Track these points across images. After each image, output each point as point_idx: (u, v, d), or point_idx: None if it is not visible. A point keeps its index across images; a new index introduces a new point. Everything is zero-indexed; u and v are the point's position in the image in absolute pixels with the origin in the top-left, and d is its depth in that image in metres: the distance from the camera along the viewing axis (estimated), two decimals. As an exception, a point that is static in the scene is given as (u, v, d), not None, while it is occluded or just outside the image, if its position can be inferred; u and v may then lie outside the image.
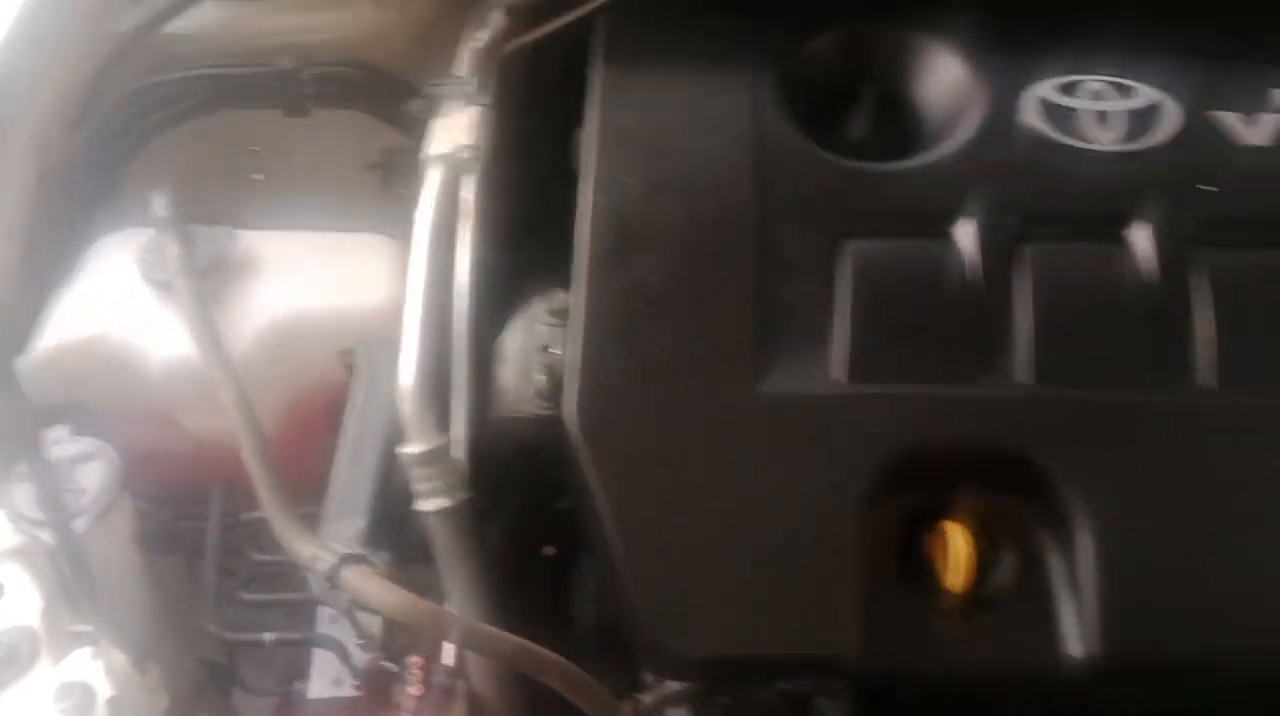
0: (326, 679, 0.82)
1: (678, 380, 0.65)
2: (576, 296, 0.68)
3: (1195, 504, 0.62)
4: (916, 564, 0.63)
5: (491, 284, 0.74)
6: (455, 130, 0.78)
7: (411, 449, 0.66)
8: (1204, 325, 0.65)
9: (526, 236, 0.79)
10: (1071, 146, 0.71)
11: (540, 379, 0.69)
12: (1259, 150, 0.71)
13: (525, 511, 0.74)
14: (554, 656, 0.62)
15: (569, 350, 0.67)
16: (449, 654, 0.68)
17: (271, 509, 0.69)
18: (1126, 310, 0.66)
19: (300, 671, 0.82)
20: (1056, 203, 0.70)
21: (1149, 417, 0.64)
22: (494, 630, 0.63)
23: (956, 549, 0.62)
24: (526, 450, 0.69)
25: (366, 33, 0.95)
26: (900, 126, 0.77)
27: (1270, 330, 0.66)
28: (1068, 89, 0.74)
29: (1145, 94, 0.73)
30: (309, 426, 0.82)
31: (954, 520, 0.62)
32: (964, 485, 0.63)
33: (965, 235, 0.68)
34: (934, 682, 0.63)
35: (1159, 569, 0.61)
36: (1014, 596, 0.62)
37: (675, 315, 0.67)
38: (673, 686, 0.65)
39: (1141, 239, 0.68)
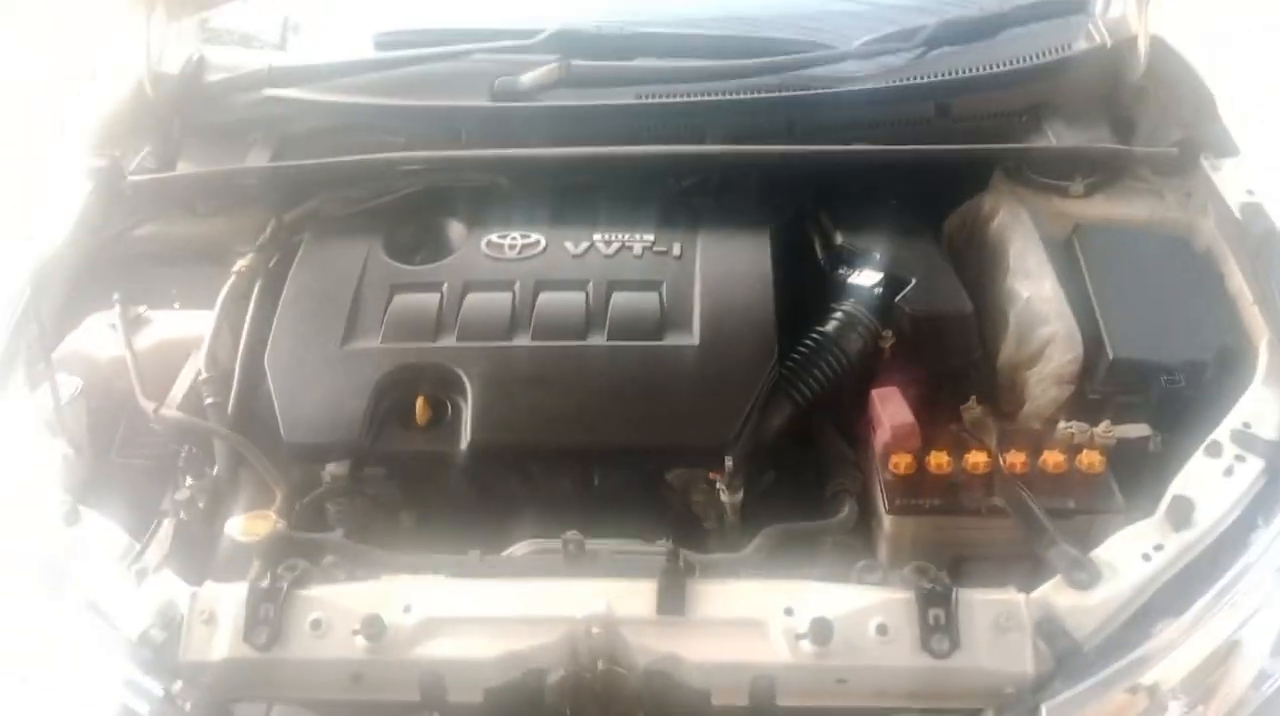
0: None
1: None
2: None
3: (514, 377, 1.47)
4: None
5: None
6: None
7: None
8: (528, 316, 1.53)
9: None
10: (495, 258, 1.61)
11: None
12: (581, 255, 1.61)
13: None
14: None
15: None
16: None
17: None
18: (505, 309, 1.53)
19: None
20: (482, 276, 1.58)
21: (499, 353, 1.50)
22: None
23: (419, 408, 1.46)
24: None
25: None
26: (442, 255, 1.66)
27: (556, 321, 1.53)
28: (501, 236, 1.64)
29: (533, 236, 1.64)
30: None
31: (421, 396, 1.47)
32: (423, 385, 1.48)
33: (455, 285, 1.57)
34: (412, 461, 1.45)
35: (501, 404, 1.44)
36: (450, 424, 1.45)
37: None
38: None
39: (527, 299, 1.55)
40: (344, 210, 1.77)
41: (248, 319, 1.63)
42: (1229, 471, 1.29)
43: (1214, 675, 1.16)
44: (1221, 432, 1.34)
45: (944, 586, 1.18)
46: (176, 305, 1.75)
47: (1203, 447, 1.32)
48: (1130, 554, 1.22)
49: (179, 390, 1.58)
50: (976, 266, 1.70)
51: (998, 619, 1.17)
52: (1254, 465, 1.30)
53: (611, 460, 1.47)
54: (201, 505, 1.44)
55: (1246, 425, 1.35)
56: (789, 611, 1.18)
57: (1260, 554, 1.21)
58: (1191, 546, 1.22)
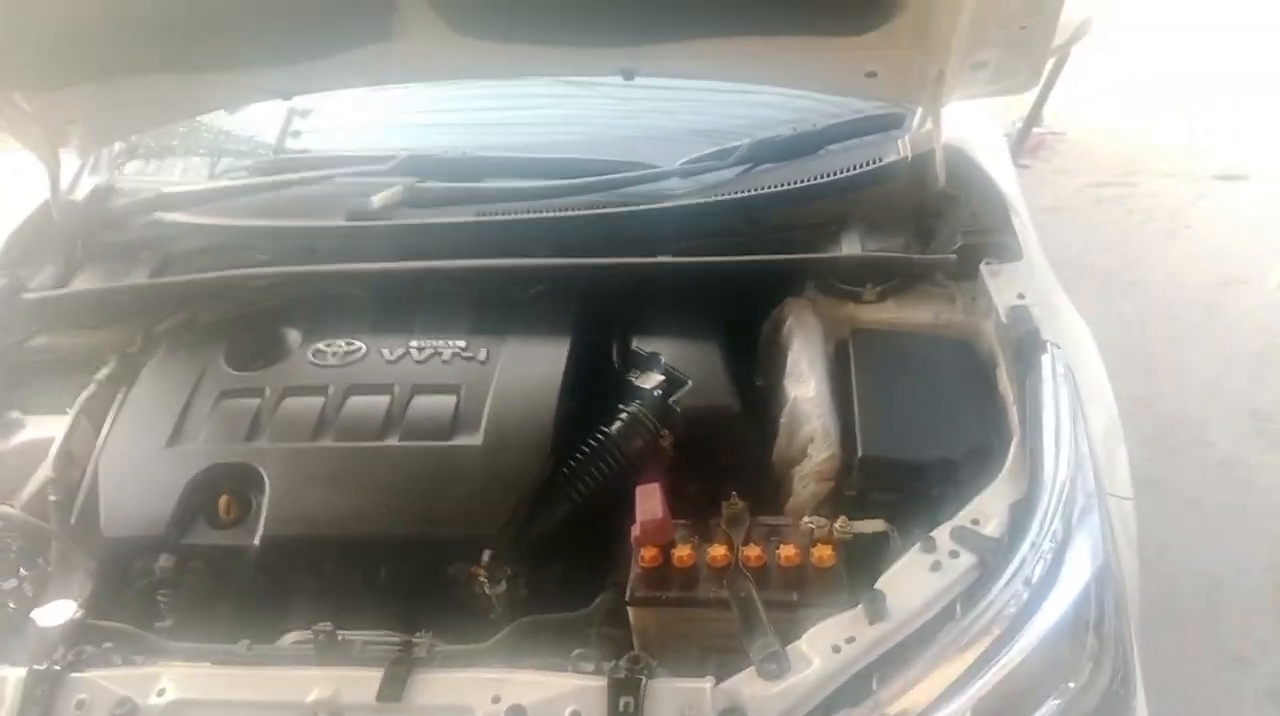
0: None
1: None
2: None
3: (309, 475, 1.56)
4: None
5: None
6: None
7: None
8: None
9: None
10: (318, 365, 1.72)
11: None
12: (395, 361, 1.71)
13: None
14: None
15: None
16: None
17: None
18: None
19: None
20: (302, 381, 1.69)
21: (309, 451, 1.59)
22: None
23: (222, 505, 1.55)
24: None
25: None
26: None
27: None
28: (327, 344, 1.76)
29: (356, 343, 1.75)
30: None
31: (225, 494, 1.56)
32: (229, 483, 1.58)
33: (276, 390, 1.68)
34: (216, 555, 1.53)
35: (293, 501, 1.53)
36: (252, 520, 1.54)
37: None
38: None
39: (336, 403, 1.66)
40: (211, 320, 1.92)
41: (106, 423, 1.75)
42: (936, 566, 1.32)
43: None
44: (942, 529, 1.37)
45: (634, 675, 1.23)
46: (69, 411, 1.89)
47: (918, 544, 1.35)
48: (823, 645, 1.25)
49: (30, 487, 1.70)
50: (774, 370, 1.76)
51: (683, 708, 1.21)
52: (965, 560, 1.33)
53: (394, 553, 1.54)
54: (30, 593, 1.54)
55: (975, 522, 1.38)
56: (495, 699, 1.24)
57: (945, 646, 1.24)
58: (884, 639, 1.25)
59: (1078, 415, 1.50)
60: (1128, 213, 4.38)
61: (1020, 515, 1.37)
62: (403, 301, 1.87)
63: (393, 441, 1.60)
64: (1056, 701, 1.28)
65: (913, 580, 1.31)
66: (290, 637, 1.43)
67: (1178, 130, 4.92)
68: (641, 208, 1.92)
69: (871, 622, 1.27)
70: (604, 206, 1.94)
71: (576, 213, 1.92)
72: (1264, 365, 3.40)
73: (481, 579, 1.48)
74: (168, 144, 2.47)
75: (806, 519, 1.46)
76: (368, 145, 2.17)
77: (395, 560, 1.54)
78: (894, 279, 1.82)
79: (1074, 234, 4.10)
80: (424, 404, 1.64)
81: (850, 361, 1.68)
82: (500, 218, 1.93)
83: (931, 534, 1.36)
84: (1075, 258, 3.83)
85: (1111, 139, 4.87)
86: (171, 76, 1.86)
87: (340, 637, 1.36)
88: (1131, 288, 3.85)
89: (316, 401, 1.66)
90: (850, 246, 1.84)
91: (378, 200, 1.96)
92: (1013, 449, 1.49)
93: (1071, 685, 1.29)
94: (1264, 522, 2.79)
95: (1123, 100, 5.08)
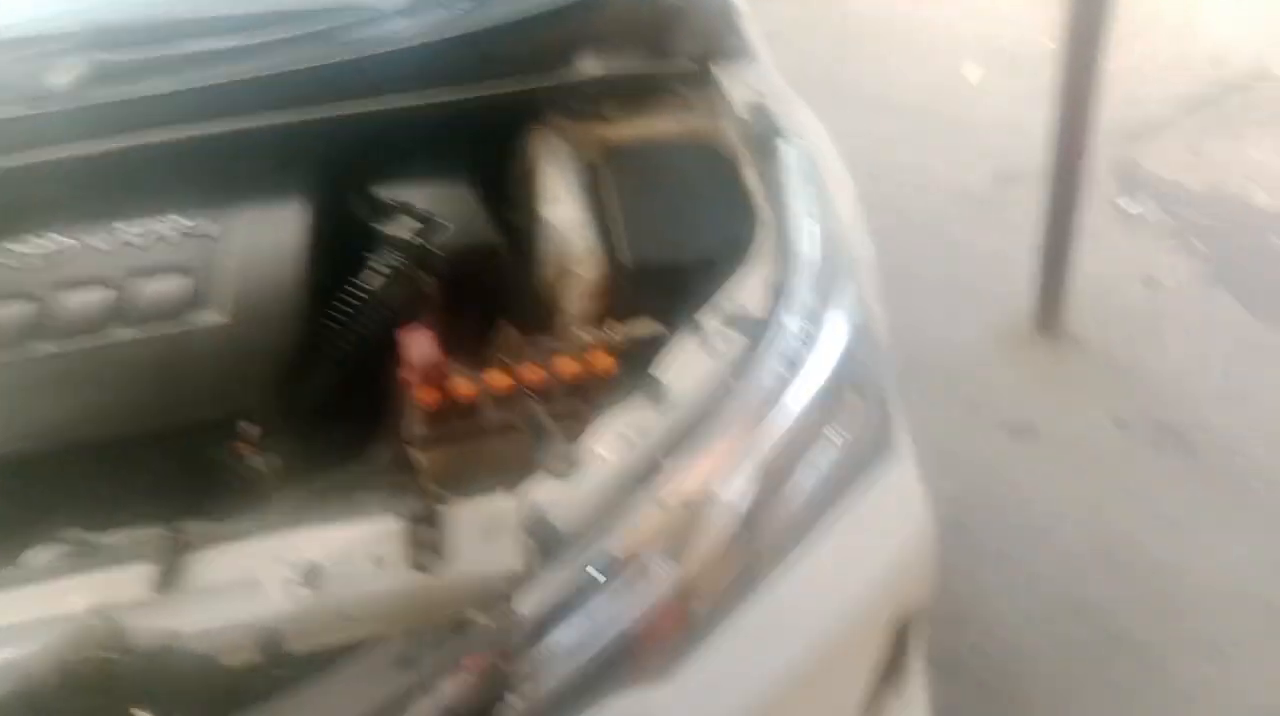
0: None
1: None
2: None
3: (28, 386, 1.38)
4: None
5: None
6: None
7: None
8: None
9: None
10: (15, 268, 1.50)
11: None
12: (114, 250, 1.52)
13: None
14: None
15: None
16: None
17: None
18: None
19: None
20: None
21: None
22: None
23: None
24: None
25: None
26: None
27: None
28: (22, 243, 1.53)
29: (59, 238, 1.54)
30: None
31: None
32: None
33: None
34: None
35: (14, 407, 1.35)
36: None
37: None
38: None
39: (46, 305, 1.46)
40: None
41: None
42: (705, 346, 1.33)
43: (687, 534, 1.20)
44: (706, 314, 1.38)
45: (431, 505, 1.18)
46: None
47: (686, 330, 1.36)
48: (612, 439, 1.25)
49: None
50: (529, 202, 1.70)
51: (487, 527, 1.17)
52: (733, 338, 1.35)
53: (148, 449, 1.40)
54: None
55: (731, 303, 1.40)
56: (286, 562, 1.16)
57: (725, 420, 1.26)
58: (668, 423, 1.26)
59: (823, 195, 1.54)
60: (839, 31, 4.56)
61: (778, 291, 1.39)
62: (111, 188, 1.65)
63: (124, 333, 1.43)
64: (831, 453, 1.34)
65: (687, 364, 1.32)
66: (34, 553, 1.27)
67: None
68: (365, 54, 1.77)
69: (654, 409, 1.27)
70: (324, 59, 1.77)
71: (295, 67, 1.74)
72: (969, 152, 3.69)
73: (249, 455, 1.37)
74: None
75: (578, 332, 1.44)
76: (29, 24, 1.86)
77: (151, 456, 1.40)
78: (635, 94, 1.78)
79: (788, 57, 4.23)
80: (154, 289, 1.47)
81: (603, 180, 1.65)
82: (210, 81, 1.72)
83: (698, 319, 1.37)
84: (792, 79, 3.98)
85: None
86: None
87: (97, 541, 1.23)
88: (850, 101, 4.03)
89: (21, 306, 1.45)
90: (588, 68, 1.78)
91: (60, 79, 1.70)
92: (764, 233, 1.51)
93: (843, 438, 1.35)
94: (975, 285, 3.12)
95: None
